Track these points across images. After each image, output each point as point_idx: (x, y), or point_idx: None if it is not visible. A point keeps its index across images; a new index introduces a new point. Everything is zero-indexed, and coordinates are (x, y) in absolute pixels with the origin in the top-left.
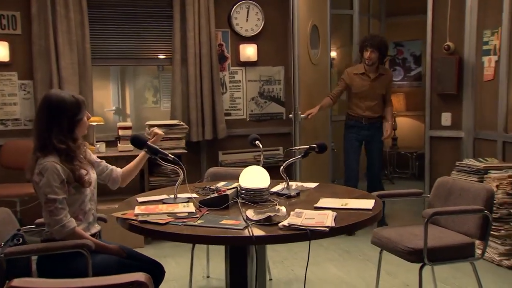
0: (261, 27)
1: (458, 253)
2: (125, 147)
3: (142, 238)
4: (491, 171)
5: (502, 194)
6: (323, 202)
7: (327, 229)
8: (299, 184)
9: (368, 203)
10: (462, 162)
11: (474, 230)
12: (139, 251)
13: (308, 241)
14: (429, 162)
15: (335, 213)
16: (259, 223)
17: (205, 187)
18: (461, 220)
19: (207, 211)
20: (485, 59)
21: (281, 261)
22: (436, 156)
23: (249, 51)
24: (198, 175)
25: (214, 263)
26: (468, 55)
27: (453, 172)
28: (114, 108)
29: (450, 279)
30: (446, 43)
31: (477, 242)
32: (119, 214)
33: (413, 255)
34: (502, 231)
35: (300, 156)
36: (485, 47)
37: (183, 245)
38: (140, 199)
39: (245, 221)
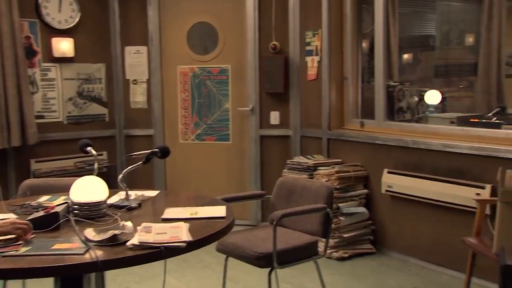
0: (77, 19)
1: (304, 253)
2: None
3: None
4: (320, 168)
5: None
6: (170, 212)
7: (184, 244)
8: (139, 193)
9: (219, 210)
10: (293, 160)
11: (317, 228)
12: None
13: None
14: (260, 162)
15: (188, 225)
16: (103, 244)
17: (24, 204)
18: (304, 219)
19: (32, 234)
20: (308, 59)
21: (113, 278)
22: (266, 155)
23: (64, 46)
24: (7, 189)
25: None
26: (293, 55)
27: (285, 170)
28: None
29: (289, 279)
30: (272, 43)
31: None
32: None
33: (262, 260)
34: (332, 224)
35: (141, 162)
36: (307, 48)
37: None
38: None
39: (84, 243)
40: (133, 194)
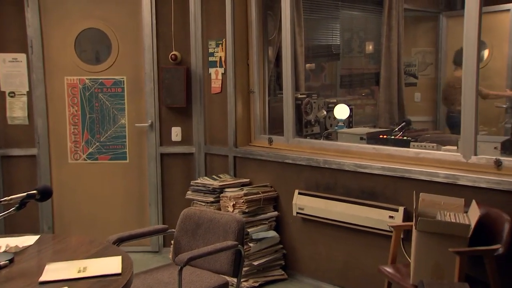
0: None
1: None
2: None
3: None
4: (227, 190)
5: (238, 214)
6: (52, 270)
7: None
8: (11, 242)
9: (113, 264)
10: (197, 182)
11: (227, 267)
12: None
13: None
14: (161, 182)
15: None
16: None
17: None
18: (213, 257)
19: None
20: (212, 71)
21: None
22: (168, 175)
23: None
24: None
25: None
26: (196, 66)
27: (189, 192)
28: None
29: None
30: (173, 53)
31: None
32: None
33: None
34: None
35: (13, 208)
36: (211, 59)
37: None
38: None
39: None
40: (4, 244)
